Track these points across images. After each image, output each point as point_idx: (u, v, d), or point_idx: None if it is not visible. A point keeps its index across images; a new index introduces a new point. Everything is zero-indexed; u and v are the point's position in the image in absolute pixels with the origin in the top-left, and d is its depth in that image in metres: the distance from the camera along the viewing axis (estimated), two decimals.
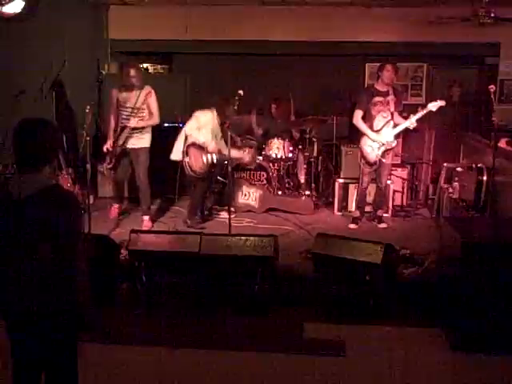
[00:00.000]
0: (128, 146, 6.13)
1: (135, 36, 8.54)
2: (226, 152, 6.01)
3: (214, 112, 6.19)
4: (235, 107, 5.67)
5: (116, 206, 6.60)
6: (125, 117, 6.08)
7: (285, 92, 8.34)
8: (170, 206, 7.25)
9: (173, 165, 6.31)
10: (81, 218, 2.54)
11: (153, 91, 6.07)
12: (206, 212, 6.79)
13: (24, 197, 2.42)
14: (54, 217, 2.40)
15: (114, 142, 6.12)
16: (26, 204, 2.41)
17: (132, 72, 6.01)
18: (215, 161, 6.17)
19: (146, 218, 6.35)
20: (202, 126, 6.13)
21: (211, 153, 6.11)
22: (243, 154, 6.69)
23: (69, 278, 2.46)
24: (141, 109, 6.02)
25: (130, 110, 6.02)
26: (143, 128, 6.10)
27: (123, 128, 6.06)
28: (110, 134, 6.20)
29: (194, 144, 6.10)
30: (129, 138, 6.08)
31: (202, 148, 6.11)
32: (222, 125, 6.26)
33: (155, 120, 6.13)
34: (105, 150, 6.17)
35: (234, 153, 6.34)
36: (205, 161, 6.10)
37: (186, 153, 6.08)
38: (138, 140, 6.13)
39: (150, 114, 6.08)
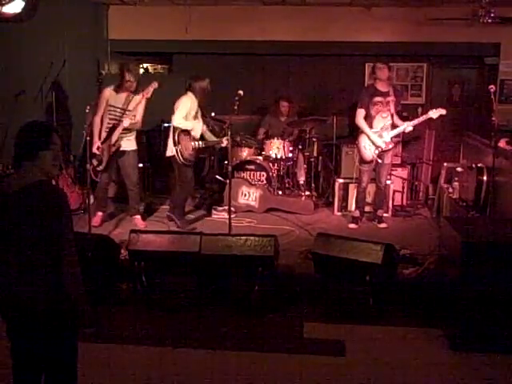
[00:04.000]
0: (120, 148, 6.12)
1: (135, 36, 8.54)
2: (206, 136, 6.40)
3: (190, 94, 6.11)
4: (235, 107, 5.67)
5: (100, 213, 6.33)
6: (113, 117, 6.03)
7: (284, 92, 8.35)
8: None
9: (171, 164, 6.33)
10: (66, 213, 2.51)
11: (144, 99, 6.08)
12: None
13: (13, 192, 2.48)
14: (37, 211, 2.43)
15: (103, 142, 6.03)
16: (12, 199, 2.46)
17: (127, 77, 5.98)
18: (202, 146, 6.25)
19: (138, 217, 6.38)
20: (187, 114, 6.08)
21: (197, 139, 6.19)
22: (221, 139, 6.46)
23: (56, 274, 2.47)
24: (131, 111, 6.02)
25: (120, 110, 6.00)
26: (130, 130, 6.10)
27: (114, 127, 6.00)
28: (99, 135, 6.05)
29: (183, 131, 6.09)
30: (120, 140, 6.05)
31: (190, 134, 6.13)
32: (200, 103, 6.21)
33: (139, 125, 6.17)
34: (95, 150, 6.02)
35: (212, 137, 6.43)
36: (194, 146, 6.13)
37: (177, 141, 6.08)
38: (128, 142, 6.13)
39: (135, 118, 6.07)
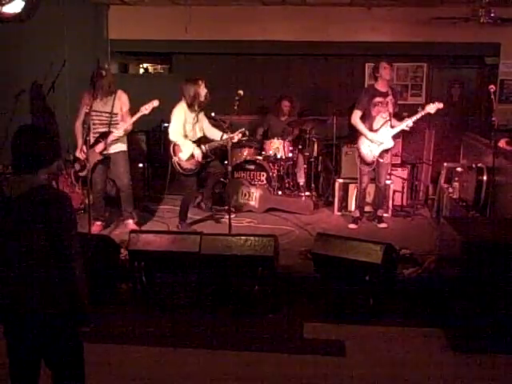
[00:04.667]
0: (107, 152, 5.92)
1: (135, 36, 8.55)
2: (214, 136, 6.16)
3: (183, 100, 5.96)
4: (235, 107, 5.66)
5: (98, 223, 6.12)
6: (98, 121, 5.83)
7: (285, 92, 8.36)
8: (170, 206, 7.26)
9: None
10: (72, 217, 2.55)
11: (125, 96, 5.90)
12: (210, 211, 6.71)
13: (16, 195, 2.48)
14: (43, 215, 2.44)
15: (90, 147, 5.78)
16: (18, 202, 2.47)
17: (99, 82, 5.73)
18: (204, 151, 6.01)
19: (130, 221, 6.14)
20: (183, 124, 5.96)
21: (199, 145, 5.98)
22: (233, 135, 6.18)
23: (63, 277, 2.48)
24: (117, 114, 5.87)
25: (105, 115, 5.82)
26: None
27: (104, 134, 5.81)
28: (81, 139, 5.82)
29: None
30: (108, 147, 5.88)
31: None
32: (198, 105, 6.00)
33: (130, 126, 5.92)
34: (79, 155, 5.85)
35: (222, 136, 6.19)
36: (194, 154, 5.94)
37: (173, 153, 5.99)
38: (116, 144, 5.92)
39: (123, 119, 5.88)
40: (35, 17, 5.71)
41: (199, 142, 6.07)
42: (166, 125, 7.86)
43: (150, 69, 10.09)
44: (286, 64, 8.88)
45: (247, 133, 6.46)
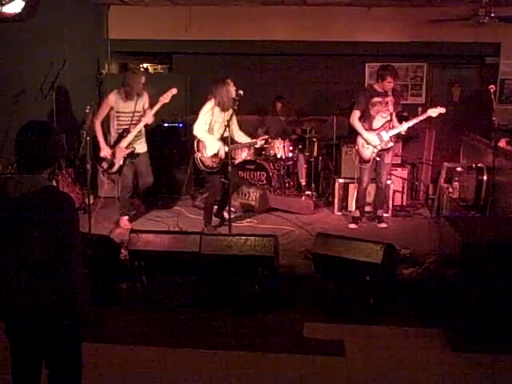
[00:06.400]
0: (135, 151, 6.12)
1: (135, 36, 8.55)
2: (239, 139, 6.12)
3: (212, 100, 5.88)
4: (235, 107, 5.65)
5: (125, 217, 6.32)
6: (122, 122, 6.04)
7: (285, 92, 8.37)
8: (171, 206, 7.26)
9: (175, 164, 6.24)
10: (76, 218, 2.55)
11: (146, 94, 6.11)
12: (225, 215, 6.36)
13: (20, 195, 2.46)
14: (47, 216, 2.43)
15: (113, 146, 6.05)
16: (21, 202, 2.45)
17: (135, 85, 5.95)
18: (226, 150, 5.79)
19: (126, 217, 6.32)
20: (210, 122, 5.87)
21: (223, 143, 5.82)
22: (256, 140, 6.23)
23: (65, 277, 2.47)
24: (139, 112, 6.06)
25: (129, 114, 6.01)
26: (141, 132, 6.11)
27: (125, 131, 6.02)
28: (102, 139, 6.07)
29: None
30: (133, 143, 6.07)
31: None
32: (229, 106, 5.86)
33: (152, 118, 6.09)
34: (104, 154, 6.05)
35: (247, 138, 6.21)
36: (216, 152, 5.87)
37: (196, 149, 5.97)
38: (141, 145, 6.16)
39: (144, 115, 6.05)
40: (35, 17, 5.70)
41: (223, 141, 5.83)
42: (166, 125, 7.89)
43: (150, 69, 10.08)
44: (285, 64, 8.88)
45: (269, 140, 6.46)
